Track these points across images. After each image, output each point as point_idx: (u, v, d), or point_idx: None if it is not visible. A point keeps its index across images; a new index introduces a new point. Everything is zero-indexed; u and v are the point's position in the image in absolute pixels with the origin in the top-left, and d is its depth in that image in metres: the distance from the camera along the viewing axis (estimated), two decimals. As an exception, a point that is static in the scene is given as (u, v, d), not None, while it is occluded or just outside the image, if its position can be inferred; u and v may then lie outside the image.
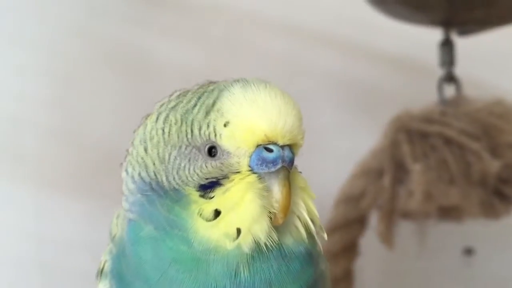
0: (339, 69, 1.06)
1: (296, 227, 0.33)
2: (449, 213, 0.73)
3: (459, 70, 0.83)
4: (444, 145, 0.72)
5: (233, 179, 0.33)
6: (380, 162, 0.76)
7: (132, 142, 0.37)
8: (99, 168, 0.93)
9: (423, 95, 0.85)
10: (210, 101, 0.33)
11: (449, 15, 0.78)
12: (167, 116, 0.34)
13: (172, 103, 0.35)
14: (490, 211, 0.76)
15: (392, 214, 0.73)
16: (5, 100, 0.92)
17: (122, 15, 0.98)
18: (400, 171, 0.73)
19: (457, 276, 0.97)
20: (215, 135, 0.33)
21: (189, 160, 0.33)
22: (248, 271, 0.32)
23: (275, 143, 0.32)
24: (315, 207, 0.35)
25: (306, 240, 0.33)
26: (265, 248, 0.32)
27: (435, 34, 0.84)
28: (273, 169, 0.32)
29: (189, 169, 0.33)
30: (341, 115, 1.05)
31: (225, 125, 0.32)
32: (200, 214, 0.32)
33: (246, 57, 1.01)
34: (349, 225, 0.78)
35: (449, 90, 0.84)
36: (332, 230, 0.77)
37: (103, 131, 0.95)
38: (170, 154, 0.34)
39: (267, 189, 0.32)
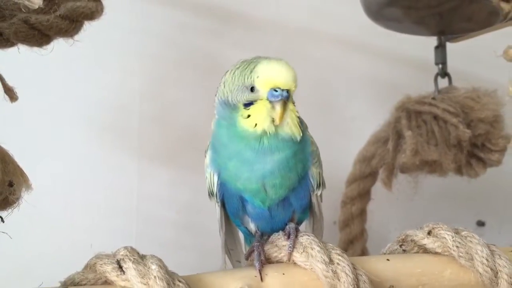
0: (366, 71, 1.22)
1: (286, 126, 0.63)
2: (434, 168, 0.92)
3: (451, 67, 1.01)
4: (432, 120, 0.93)
5: (258, 102, 0.63)
6: (386, 133, 0.97)
7: (219, 84, 0.68)
8: (183, 143, 1.13)
9: (425, 87, 1.01)
10: (252, 66, 0.64)
11: (441, 27, 0.98)
12: (235, 72, 0.66)
13: (237, 66, 0.67)
14: (469, 169, 0.94)
15: (393, 169, 0.94)
16: (117, 95, 1.11)
17: (202, 30, 1.16)
18: (399, 139, 0.94)
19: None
20: (254, 82, 0.63)
21: (242, 91, 0.64)
22: (264, 141, 0.63)
23: (279, 88, 0.62)
24: (296, 118, 0.64)
25: (291, 131, 0.64)
26: (269, 132, 0.63)
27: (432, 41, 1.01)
28: (277, 100, 0.62)
29: (241, 95, 0.64)
30: (367, 107, 1.21)
31: (257, 77, 0.63)
32: (242, 115, 0.64)
33: (297, 63, 1.03)
34: (364, 178, 1.00)
35: (444, 82, 1.02)
36: (351, 181, 1.00)
37: (186, 117, 1.14)
38: (234, 88, 0.65)
39: (273, 107, 0.62)
